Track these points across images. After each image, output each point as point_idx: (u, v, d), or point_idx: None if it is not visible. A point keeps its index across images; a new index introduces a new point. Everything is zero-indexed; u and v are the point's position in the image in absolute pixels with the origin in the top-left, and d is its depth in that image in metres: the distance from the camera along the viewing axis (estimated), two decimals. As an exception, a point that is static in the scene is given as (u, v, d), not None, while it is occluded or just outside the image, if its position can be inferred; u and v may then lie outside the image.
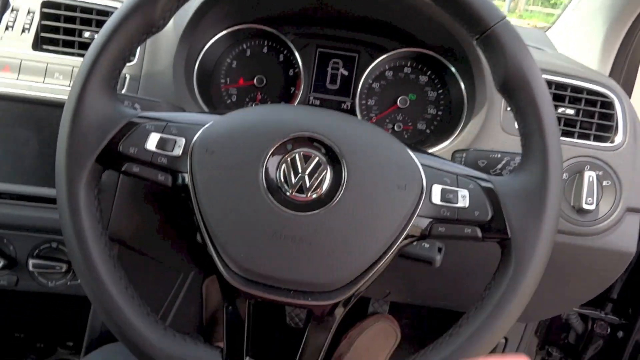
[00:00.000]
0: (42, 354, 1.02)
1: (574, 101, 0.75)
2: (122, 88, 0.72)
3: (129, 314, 0.49)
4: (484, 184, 0.50)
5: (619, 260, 0.75)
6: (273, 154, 0.48)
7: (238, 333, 0.50)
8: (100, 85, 0.50)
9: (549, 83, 0.74)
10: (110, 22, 0.50)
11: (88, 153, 0.50)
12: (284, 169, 0.48)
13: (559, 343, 1.30)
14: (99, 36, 0.50)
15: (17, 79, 0.73)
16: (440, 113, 0.82)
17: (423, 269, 0.87)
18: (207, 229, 0.49)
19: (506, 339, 1.14)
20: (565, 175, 0.71)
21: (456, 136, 0.73)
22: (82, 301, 0.84)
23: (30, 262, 0.77)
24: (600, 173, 0.71)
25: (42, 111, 0.73)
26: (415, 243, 0.60)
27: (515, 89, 0.49)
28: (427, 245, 0.68)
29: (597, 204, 0.71)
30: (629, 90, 0.81)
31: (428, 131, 0.82)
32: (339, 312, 0.50)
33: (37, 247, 0.78)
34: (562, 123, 0.74)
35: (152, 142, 0.50)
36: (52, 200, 0.74)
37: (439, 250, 0.68)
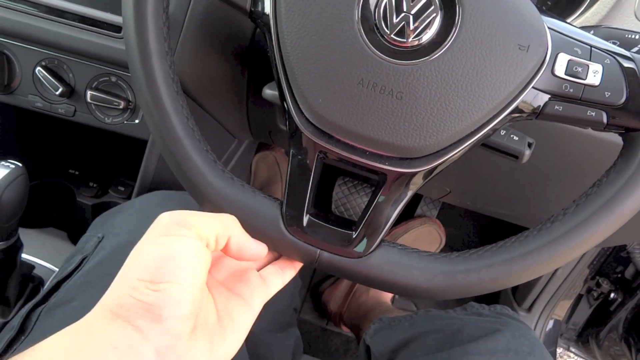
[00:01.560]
0: (94, 194, 1.04)
1: None
2: None
3: (187, 144, 0.45)
4: (624, 62, 0.41)
5: None
6: None
7: (300, 189, 0.45)
8: None
9: None
10: None
11: None
12: (385, 4, 0.40)
13: (611, 276, 1.23)
14: None
15: None
16: (558, -10, 0.69)
17: (498, 170, 0.80)
18: (283, 64, 0.42)
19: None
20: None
21: (578, 15, 0.62)
22: (138, 144, 0.83)
23: (89, 93, 0.74)
24: None
25: None
26: (503, 133, 0.53)
27: None
28: (516, 138, 0.59)
29: None
30: None
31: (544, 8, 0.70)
32: (416, 183, 0.45)
33: (96, 78, 0.74)
34: None
35: None
36: (117, 28, 0.68)
37: (529, 145, 0.60)
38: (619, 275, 1.22)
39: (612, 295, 1.21)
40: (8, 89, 0.76)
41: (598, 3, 0.61)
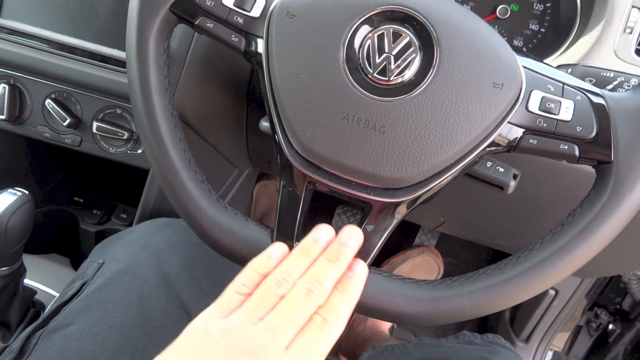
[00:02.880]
0: (98, 221, 1.07)
1: None
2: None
3: (184, 175, 0.48)
4: (594, 98, 0.43)
5: None
6: (359, 26, 0.43)
7: (290, 217, 0.48)
8: None
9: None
10: None
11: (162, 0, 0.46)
12: (368, 46, 0.43)
13: (610, 307, 1.23)
14: None
15: None
16: (542, 30, 0.73)
17: (488, 200, 0.82)
18: (275, 102, 0.45)
19: (557, 291, 1.09)
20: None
21: (560, 54, 0.65)
22: (140, 173, 0.86)
23: (95, 124, 0.77)
24: None
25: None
26: (489, 165, 0.55)
27: None
28: (502, 169, 0.62)
29: None
30: None
31: (525, 49, 0.74)
32: (400, 212, 0.47)
33: (102, 110, 0.78)
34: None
35: None
36: (122, 64, 0.72)
37: (514, 176, 0.62)
38: (618, 307, 1.22)
39: (610, 326, 1.21)
40: (19, 120, 0.80)
41: (579, 42, 0.64)
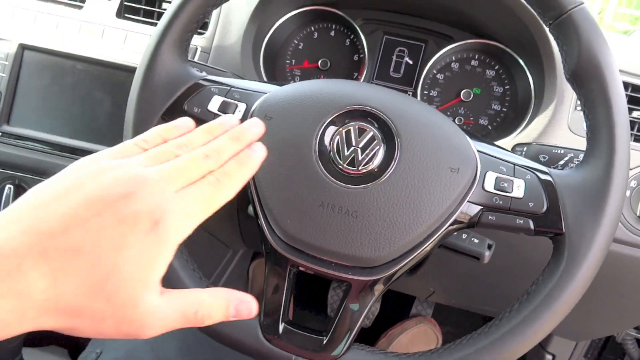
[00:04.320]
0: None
1: (651, 106, 0.70)
2: (193, 58, 0.76)
3: (175, 264, 0.52)
4: (542, 176, 0.48)
5: (686, 280, 0.70)
6: (329, 125, 0.49)
7: (276, 299, 0.51)
8: (173, 46, 0.53)
9: (626, 85, 0.70)
10: None
11: (155, 108, 0.52)
12: (337, 141, 0.49)
13: (612, 369, 1.23)
14: (174, 1, 0.52)
15: (99, 44, 0.78)
16: (504, 110, 0.80)
17: (470, 270, 0.85)
18: (257, 193, 0.50)
19: (554, 356, 1.09)
20: (633, 183, 0.68)
21: (519, 132, 0.71)
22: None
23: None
24: (674, 184, 0.66)
25: (119, 75, 0.78)
26: (464, 237, 0.59)
27: (586, 78, 0.47)
28: (476, 240, 0.66)
29: (666, 216, 0.66)
30: None
31: (490, 127, 0.80)
32: (379, 289, 0.50)
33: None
34: (636, 128, 0.70)
35: (214, 104, 0.52)
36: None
37: (489, 247, 0.66)
38: (619, 368, 1.21)
39: (614, 389, 1.19)
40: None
41: (536, 120, 0.71)
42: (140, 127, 0.52)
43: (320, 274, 0.50)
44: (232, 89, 0.53)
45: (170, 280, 0.52)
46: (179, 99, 0.52)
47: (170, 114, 0.52)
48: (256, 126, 0.42)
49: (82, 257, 0.30)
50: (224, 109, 0.52)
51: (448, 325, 1.46)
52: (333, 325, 0.50)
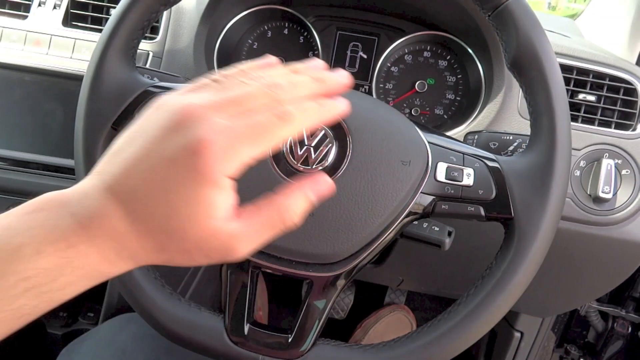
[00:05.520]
0: (64, 323, 1.06)
1: (595, 88, 0.73)
2: (145, 64, 0.75)
3: (137, 274, 0.51)
4: (490, 163, 0.50)
5: (637, 252, 0.73)
6: None
7: (240, 301, 0.51)
8: (119, 53, 0.52)
9: (570, 68, 0.73)
10: None
11: (105, 118, 0.52)
12: (290, 141, 0.49)
13: (578, 341, 1.27)
14: (119, 6, 0.52)
15: (47, 53, 0.77)
16: (458, 98, 0.82)
17: (435, 256, 0.87)
18: None
19: (522, 333, 1.12)
20: (582, 163, 0.70)
21: (472, 120, 0.73)
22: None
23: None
24: (620, 161, 0.69)
25: (69, 85, 0.76)
26: (425, 225, 0.61)
27: (525, 66, 0.48)
28: (436, 228, 0.67)
29: (615, 193, 0.69)
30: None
31: (445, 116, 0.82)
32: (341, 284, 0.51)
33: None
34: (583, 110, 0.73)
35: None
36: (73, 171, 0.77)
37: (449, 234, 0.67)
38: (585, 340, 1.26)
39: (581, 361, 1.24)
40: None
41: (487, 107, 0.73)
42: (90, 138, 0.52)
43: (282, 273, 0.50)
44: None
45: (131, 292, 0.52)
46: (128, 108, 0.51)
47: (121, 124, 0.51)
48: (344, 77, 0.38)
49: (140, 202, 0.31)
50: None
51: (422, 310, 1.49)
52: (297, 323, 0.50)
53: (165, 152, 0.30)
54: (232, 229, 0.32)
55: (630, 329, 1.15)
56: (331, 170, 0.48)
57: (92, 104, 0.51)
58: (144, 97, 0.52)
